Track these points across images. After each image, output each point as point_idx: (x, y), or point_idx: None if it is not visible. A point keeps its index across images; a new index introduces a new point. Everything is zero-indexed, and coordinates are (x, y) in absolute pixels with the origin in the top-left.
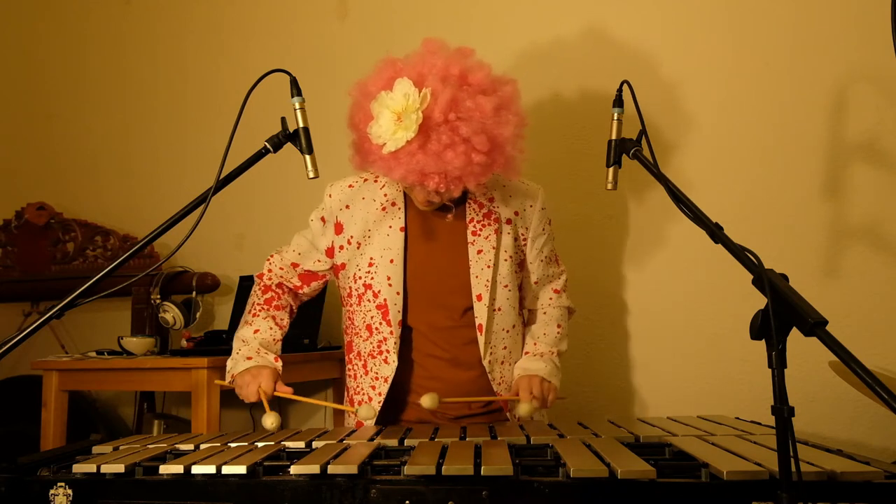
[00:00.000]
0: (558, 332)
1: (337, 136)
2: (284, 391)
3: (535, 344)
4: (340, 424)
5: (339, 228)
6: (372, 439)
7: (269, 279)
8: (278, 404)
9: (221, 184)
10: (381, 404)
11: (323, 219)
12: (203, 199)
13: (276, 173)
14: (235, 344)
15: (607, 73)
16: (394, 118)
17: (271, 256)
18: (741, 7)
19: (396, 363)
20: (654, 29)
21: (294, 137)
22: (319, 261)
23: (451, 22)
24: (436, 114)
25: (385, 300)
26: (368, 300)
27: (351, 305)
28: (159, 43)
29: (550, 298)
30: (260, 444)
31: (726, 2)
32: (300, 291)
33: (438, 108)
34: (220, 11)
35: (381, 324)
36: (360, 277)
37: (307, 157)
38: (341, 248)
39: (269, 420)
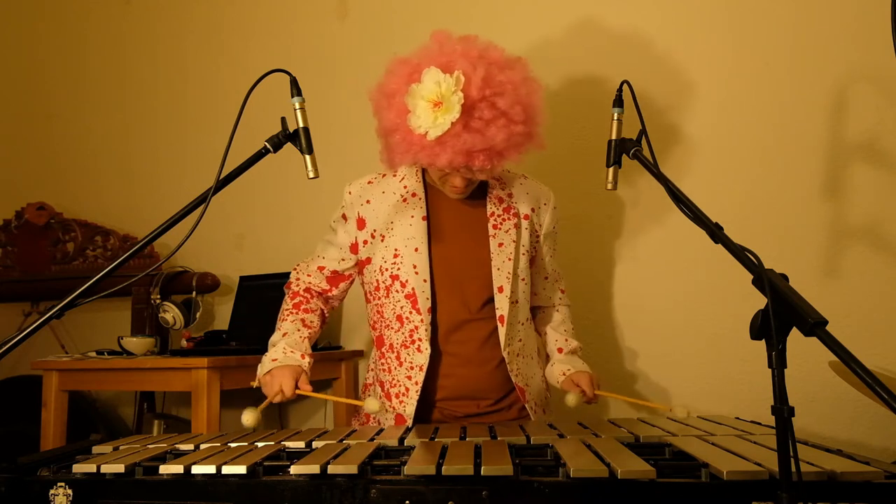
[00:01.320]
0: (573, 329)
1: (337, 137)
2: (304, 389)
3: (566, 340)
4: (342, 425)
5: (361, 224)
6: (372, 439)
7: (297, 286)
8: (275, 404)
9: (221, 184)
10: (418, 394)
11: (344, 216)
12: (203, 199)
13: (276, 173)
14: (268, 349)
15: (607, 73)
16: (430, 106)
17: (297, 266)
18: (741, 7)
19: (430, 350)
20: (653, 29)
21: (294, 137)
22: (344, 259)
23: (450, 22)
24: (473, 92)
25: (413, 289)
26: (396, 291)
27: (379, 299)
28: (159, 43)
29: (560, 298)
30: (260, 444)
31: (726, 2)
32: (329, 294)
33: (475, 87)
34: (220, 11)
35: (411, 312)
36: (386, 269)
37: (307, 157)
38: (365, 242)
39: (248, 416)
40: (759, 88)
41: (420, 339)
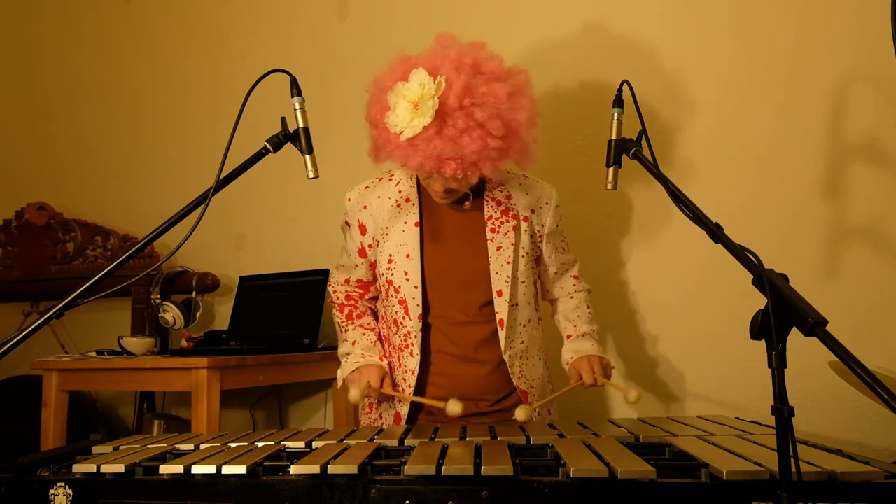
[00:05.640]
0: (589, 313)
1: (337, 136)
2: (387, 390)
3: (574, 326)
4: (342, 425)
5: (362, 229)
6: (372, 439)
7: (337, 297)
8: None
9: (221, 184)
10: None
11: (347, 223)
12: (203, 199)
13: (276, 173)
14: (342, 361)
15: (607, 73)
16: (410, 107)
17: (329, 281)
18: (741, 7)
19: (420, 356)
20: (654, 29)
21: (294, 137)
22: (358, 266)
23: (450, 22)
24: (451, 100)
25: (405, 295)
26: (392, 295)
27: (383, 301)
28: (159, 43)
29: (574, 285)
30: (260, 444)
31: (727, 2)
32: (367, 297)
33: (453, 94)
34: (220, 11)
35: (403, 318)
36: (383, 274)
37: (307, 157)
38: (370, 246)
39: (354, 393)
40: (760, 89)
41: (412, 345)
